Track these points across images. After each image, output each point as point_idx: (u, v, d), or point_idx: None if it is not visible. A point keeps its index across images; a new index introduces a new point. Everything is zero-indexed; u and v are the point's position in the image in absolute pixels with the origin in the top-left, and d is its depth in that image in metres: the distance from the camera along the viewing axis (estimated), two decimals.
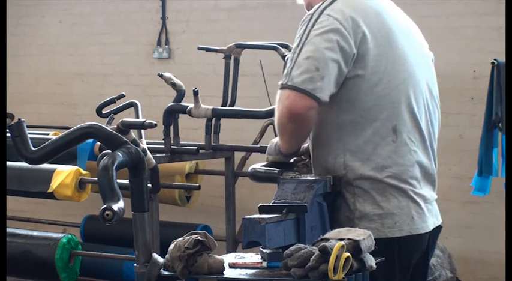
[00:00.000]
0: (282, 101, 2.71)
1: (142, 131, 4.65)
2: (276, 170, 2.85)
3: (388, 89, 2.77)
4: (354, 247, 2.36)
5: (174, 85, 5.24)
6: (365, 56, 2.74)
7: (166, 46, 7.22)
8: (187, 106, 5.16)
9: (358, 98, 2.75)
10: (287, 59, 2.81)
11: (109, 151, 2.46)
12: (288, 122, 2.72)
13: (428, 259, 2.97)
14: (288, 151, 2.87)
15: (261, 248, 2.54)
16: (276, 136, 2.97)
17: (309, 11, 2.90)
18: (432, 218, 2.89)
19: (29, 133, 2.53)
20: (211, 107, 5.18)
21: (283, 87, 2.71)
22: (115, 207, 2.25)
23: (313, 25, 2.73)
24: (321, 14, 2.75)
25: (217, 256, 2.46)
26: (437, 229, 2.96)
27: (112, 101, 5.51)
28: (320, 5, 2.79)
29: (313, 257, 2.30)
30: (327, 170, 2.81)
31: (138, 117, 4.97)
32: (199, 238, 2.41)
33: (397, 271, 2.81)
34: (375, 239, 2.51)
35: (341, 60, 2.71)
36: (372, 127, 2.76)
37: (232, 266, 2.51)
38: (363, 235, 2.42)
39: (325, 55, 2.69)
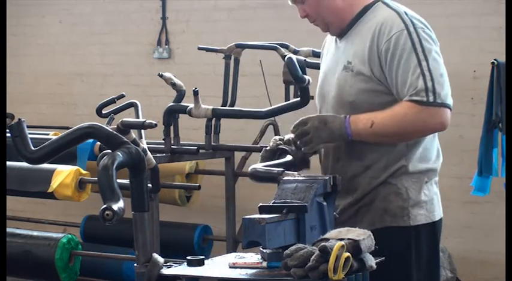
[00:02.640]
0: (433, 117, 2.84)
1: (142, 131, 4.65)
2: (276, 170, 2.85)
3: None
4: (354, 247, 2.36)
5: (174, 85, 5.24)
6: None
7: (166, 46, 7.22)
8: (187, 106, 5.16)
9: None
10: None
11: (109, 151, 2.46)
12: (428, 133, 2.92)
13: None
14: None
15: (261, 248, 2.54)
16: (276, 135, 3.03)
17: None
18: None
19: (29, 133, 2.53)
20: (211, 107, 5.17)
21: (433, 104, 2.83)
22: (115, 207, 2.25)
23: (419, 38, 2.88)
24: (414, 27, 2.90)
25: None
26: None
27: (112, 101, 5.51)
28: (404, 21, 2.91)
29: (313, 257, 2.30)
30: (387, 157, 2.94)
31: (138, 117, 4.97)
32: None
33: (439, 251, 3.08)
34: (423, 224, 2.93)
35: None
36: None
37: (232, 266, 2.51)
38: (363, 235, 2.42)
39: (445, 69, 2.93)
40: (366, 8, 2.98)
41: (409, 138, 2.91)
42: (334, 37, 3.11)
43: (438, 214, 3.03)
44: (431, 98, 2.82)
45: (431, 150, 3.00)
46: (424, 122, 2.84)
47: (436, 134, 3.04)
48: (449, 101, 2.87)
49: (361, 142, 2.95)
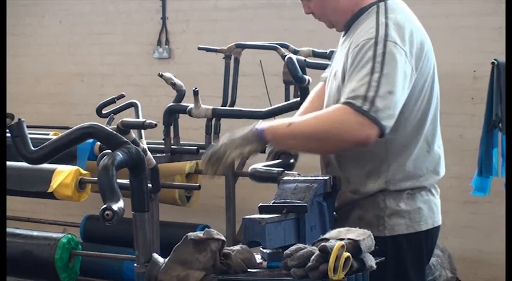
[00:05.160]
0: (361, 126, 2.61)
1: (142, 131, 4.65)
2: (276, 170, 2.85)
3: (427, 103, 2.85)
4: (354, 247, 2.36)
5: (174, 85, 5.24)
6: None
7: (166, 46, 7.22)
8: (187, 106, 5.16)
9: (404, 116, 2.77)
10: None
11: (109, 150, 2.46)
12: (349, 144, 2.66)
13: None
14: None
15: (261, 248, 2.54)
16: None
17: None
18: None
19: (29, 133, 2.53)
20: (211, 107, 5.17)
21: (365, 114, 2.61)
22: (115, 207, 2.25)
23: (384, 51, 2.69)
24: (386, 41, 2.71)
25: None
26: None
27: (112, 101, 5.51)
28: (378, 31, 2.74)
29: (313, 257, 2.30)
30: (368, 173, 2.83)
31: (138, 117, 4.97)
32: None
33: (425, 262, 2.94)
34: (404, 234, 2.80)
35: (407, 88, 2.74)
36: (414, 143, 2.84)
37: None
38: (363, 235, 2.42)
39: (402, 90, 2.69)
40: (362, 10, 2.91)
41: (328, 146, 2.72)
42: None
43: (428, 223, 2.88)
44: (366, 107, 2.61)
45: (423, 166, 2.86)
46: (349, 127, 2.62)
47: (437, 146, 2.92)
48: (385, 122, 2.63)
49: (341, 155, 2.84)
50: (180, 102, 5.26)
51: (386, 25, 2.75)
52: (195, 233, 2.43)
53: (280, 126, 2.73)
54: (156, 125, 4.52)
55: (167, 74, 5.24)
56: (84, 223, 6.42)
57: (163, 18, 7.25)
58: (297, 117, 2.79)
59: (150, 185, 4.33)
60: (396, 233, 2.82)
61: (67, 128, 4.88)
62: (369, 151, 2.76)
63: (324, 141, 2.69)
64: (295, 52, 5.47)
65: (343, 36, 2.99)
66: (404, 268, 2.84)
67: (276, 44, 5.61)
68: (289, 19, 6.48)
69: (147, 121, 4.51)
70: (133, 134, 4.44)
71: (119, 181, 2.35)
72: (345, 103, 2.64)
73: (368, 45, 2.71)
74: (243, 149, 2.76)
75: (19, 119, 2.51)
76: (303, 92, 4.60)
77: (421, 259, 2.91)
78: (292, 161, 2.99)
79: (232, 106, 5.83)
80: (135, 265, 2.51)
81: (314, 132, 2.68)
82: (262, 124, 2.74)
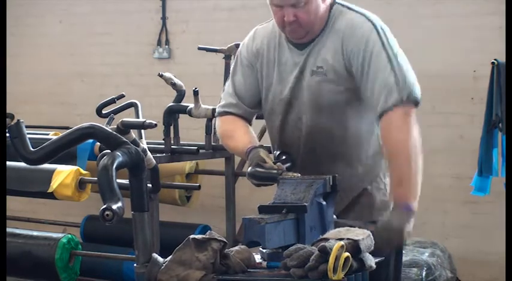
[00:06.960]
0: (412, 122, 2.84)
1: (142, 131, 4.65)
2: (276, 170, 2.85)
3: None
4: (354, 247, 2.36)
5: (174, 85, 5.24)
6: None
7: (166, 46, 7.22)
8: (187, 106, 5.16)
9: None
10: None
11: (109, 150, 2.46)
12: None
13: None
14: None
15: (261, 248, 2.54)
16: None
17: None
18: None
19: (29, 133, 2.53)
20: (211, 107, 5.18)
21: (402, 103, 2.81)
22: (115, 207, 2.26)
23: (386, 36, 2.88)
24: (380, 26, 2.92)
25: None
26: None
27: (112, 101, 5.51)
28: (370, 19, 2.95)
29: (312, 257, 2.30)
30: (372, 163, 3.03)
31: (138, 117, 4.97)
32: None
33: None
34: None
35: None
36: None
37: None
38: (362, 234, 2.42)
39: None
40: (329, 16, 3.04)
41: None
42: (277, 45, 3.28)
43: None
44: (404, 93, 2.83)
45: None
46: (414, 130, 2.83)
47: None
48: (419, 95, 2.87)
49: (352, 154, 3.01)
50: (180, 102, 5.26)
51: (368, 14, 2.97)
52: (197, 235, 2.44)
53: (418, 185, 2.79)
54: (156, 125, 4.52)
55: (167, 74, 5.24)
56: (84, 223, 6.42)
57: (163, 18, 7.24)
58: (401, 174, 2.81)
59: (150, 185, 4.33)
60: None
61: (67, 128, 4.89)
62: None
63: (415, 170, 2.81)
64: None
65: (303, 47, 3.05)
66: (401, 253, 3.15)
67: None
68: None
69: (147, 121, 4.51)
70: (133, 134, 4.44)
71: (118, 181, 2.35)
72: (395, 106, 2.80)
73: (373, 35, 2.88)
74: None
75: (18, 120, 2.51)
76: None
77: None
78: (289, 164, 2.99)
79: None
80: (135, 265, 2.51)
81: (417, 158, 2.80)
82: (407, 202, 2.77)
